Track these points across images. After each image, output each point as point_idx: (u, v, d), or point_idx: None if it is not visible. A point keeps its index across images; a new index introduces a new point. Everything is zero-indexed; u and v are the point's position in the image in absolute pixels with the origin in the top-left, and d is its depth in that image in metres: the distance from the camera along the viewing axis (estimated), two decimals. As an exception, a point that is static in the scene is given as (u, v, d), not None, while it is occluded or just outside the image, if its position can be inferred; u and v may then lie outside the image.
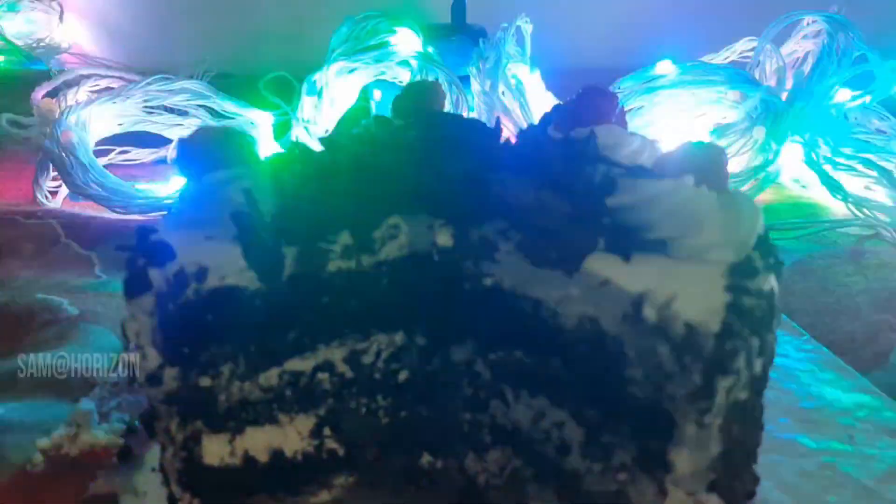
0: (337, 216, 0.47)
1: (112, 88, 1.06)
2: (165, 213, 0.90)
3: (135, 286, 0.42)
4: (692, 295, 0.35)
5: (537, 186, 0.45)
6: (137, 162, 1.15)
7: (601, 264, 0.39)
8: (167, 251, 0.43)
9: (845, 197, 0.89)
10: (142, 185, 0.99)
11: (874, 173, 0.90)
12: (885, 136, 1.01)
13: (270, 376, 0.47)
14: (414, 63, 1.10)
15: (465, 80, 1.12)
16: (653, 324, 0.35)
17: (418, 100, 0.60)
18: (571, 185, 0.44)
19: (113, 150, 1.12)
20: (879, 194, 0.89)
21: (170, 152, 1.17)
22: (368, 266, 0.47)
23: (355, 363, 0.49)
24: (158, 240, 0.44)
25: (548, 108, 1.14)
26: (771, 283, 0.39)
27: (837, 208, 0.92)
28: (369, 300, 0.48)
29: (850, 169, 0.92)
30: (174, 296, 0.42)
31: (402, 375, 0.50)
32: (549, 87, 1.16)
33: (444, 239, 0.46)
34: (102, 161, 1.02)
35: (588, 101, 0.55)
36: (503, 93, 1.11)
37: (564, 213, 0.43)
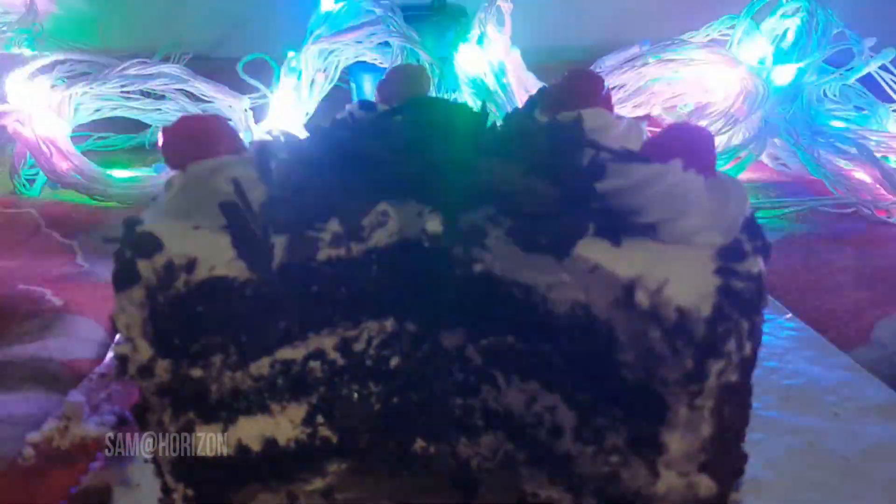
0: (325, 204, 0.46)
1: (88, 74, 1.03)
2: (149, 201, 0.89)
3: (124, 278, 0.42)
4: (683, 279, 0.36)
5: (526, 171, 0.45)
6: (115, 148, 1.14)
7: (591, 249, 0.39)
8: (155, 242, 0.43)
9: (825, 175, 0.90)
10: (121, 173, 0.98)
11: (853, 150, 0.91)
12: (864, 113, 1.02)
13: (262, 366, 0.47)
14: (394, 44, 1.09)
15: (446, 60, 1.11)
16: (645, 309, 0.35)
17: (403, 84, 0.60)
18: (560, 169, 0.44)
19: (90, 135, 1.10)
20: (858, 171, 0.90)
21: (149, 137, 1.16)
22: (358, 253, 0.47)
23: (346, 350, 0.49)
24: (145, 231, 0.43)
25: (529, 88, 1.14)
26: (759, 265, 0.39)
27: (817, 186, 0.93)
28: (359, 288, 0.48)
29: (830, 146, 0.93)
30: (164, 287, 0.42)
31: (394, 362, 0.50)
32: (528, 66, 1.16)
33: (433, 225, 0.46)
34: (80, 147, 1.00)
35: (574, 85, 0.55)
36: (485, 74, 1.10)
37: (554, 198, 0.43)
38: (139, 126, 1.15)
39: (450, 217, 0.46)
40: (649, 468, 0.38)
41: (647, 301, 0.35)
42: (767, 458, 0.48)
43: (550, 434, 0.43)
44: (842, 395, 0.55)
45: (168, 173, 0.80)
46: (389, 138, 0.50)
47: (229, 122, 0.51)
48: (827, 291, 0.69)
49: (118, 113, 1.07)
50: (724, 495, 0.40)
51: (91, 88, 1.00)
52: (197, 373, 0.45)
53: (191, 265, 0.43)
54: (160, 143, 0.49)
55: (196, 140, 0.48)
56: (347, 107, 0.60)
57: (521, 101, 1.10)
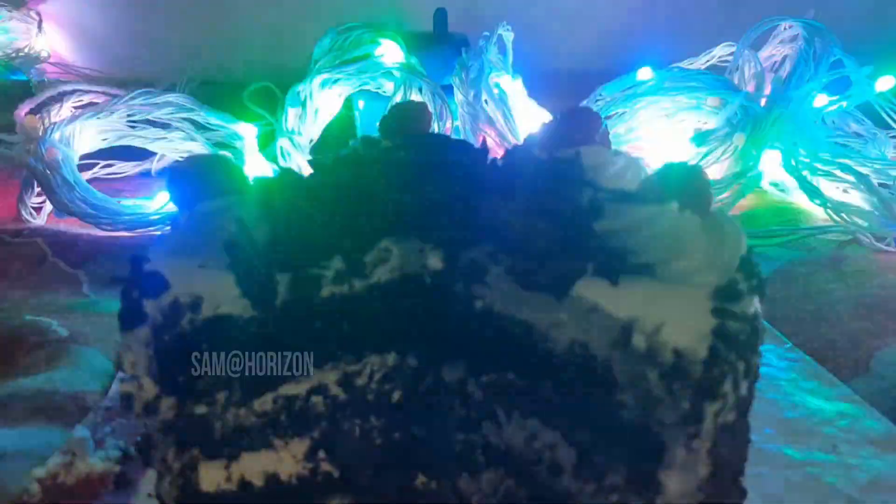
0: (328, 242, 0.47)
1: (95, 103, 1.05)
2: (155, 233, 0.90)
3: (130, 318, 0.42)
4: (679, 321, 0.36)
5: (525, 210, 0.46)
6: (121, 175, 1.15)
7: (590, 289, 0.40)
8: (161, 282, 0.43)
9: (824, 202, 0.91)
10: (127, 201, 0.99)
11: (852, 178, 0.91)
12: (862, 139, 1.03)
13: (265, 402, 0.47)
14: (397, 74, 1.10)
15: (448, 89, 1.12)
16: (642, 351, 0.36)
17: (405, 121, 0.61)
18: (559, 208, 0.45)
19: (97, 164, 1.11)
20: (857, 199, 0.90)
21: (154, 165, 1.17)
22: (360, 290, 0.48)
23: (348, 385, 0.49)
24: (152, 270, 0.44)
25: (531, 116, 1.16)
26: (755, 305, 0.40)
27: (816, 213, 0.94)
28: (361, 323, 0.48)
29: (829, 174, 0.94)
30: (169, 326, 0.43)
31: (395, 396, 0.50)
32: (530, 92, 1.17)
33: (434, 262, 0.47)
34: (86, 175, 1.02)
35: (572, 122, 0.56)
36: (486, 102, 1.12)
37: (553, 238, 0.44)
38: (145, 154, 1.16)
39: (451, 254, 0.46)
40: (648, 507, 0.39)
41: (644, 343, 0.36)
42: (767, 493, 0.48)
43: (551, 471, 0.43)
44: (841, 427, 0.55)
45: (173, 214, 0.81)
46: (390, 175, 0.51)
47: (234, 161, 0.52)
48: (826, 321, 0.69)
49: (124, 142, 1.09)
50: (723, 534, 0.40)
51: (98, 119, 1.02)
52: (201, 410, 0.45)
53: (196, 304, 0.43)
54: (167, 182, 0.50)
55: (202, 180, 0.49)
56: (352, 143, 0.61)
57: (522, 128, 1.11)
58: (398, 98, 1.10)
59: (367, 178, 0.51)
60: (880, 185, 0.90)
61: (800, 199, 0.97)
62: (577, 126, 0.55)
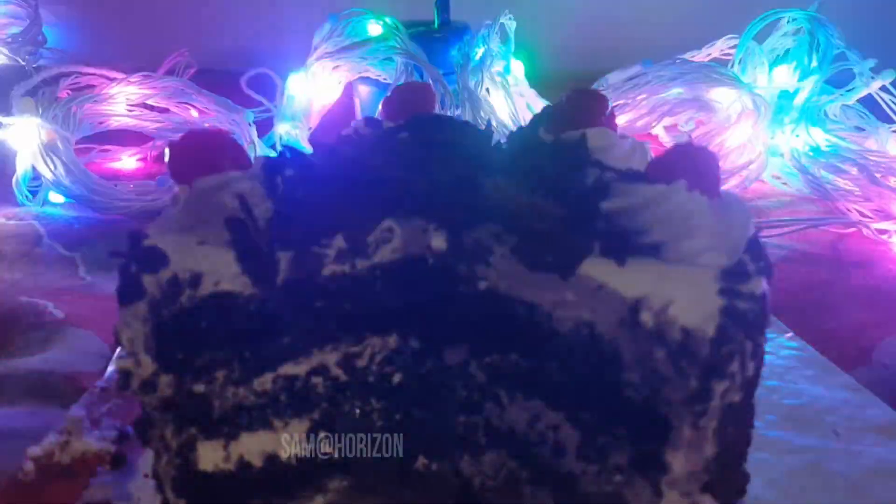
0: (331, 220, 0.47)
1: (93, 86, 1.04)
2: (153, 214, 0.89)
3: (128, 293, 0.42)
4: (688, 300, 0.36)
5: (531, 190, 0.46)
6: (119, 161, 1.14)
7: (597, 269, 0.39)
8: (160, 257, 0.43)
9: (825, 194, 0.91)
10: (125, 185, 0.98)
11: (854, 170, 0.91)
12: (863, 133, 1.03)
13: (265, 381, 0.47)
14: (398, 60, 1.09)
15: (450, 77, 1.12)
16: (650, 329, 0.35)
17: (408, 102, 0.60)
18: (564, 188, 0.45)
19: (93, 148, 1.10)
20: (858, 191, 0.90)
21: (152, 151, 1.16)
22: (362, 270, 0.47)
23: (349, 367, 0.49)
24: (151, 245, 0.43)
25: (533, 105, 1.15)
26: (762, 286, 0.39)
27: (818, 205, 0.94)
28: (363, 303, 0.48)
29: (831, 166, 0.93)
30: (168, 302, 0.42)
31: (396, 378, 0.50)
32: (531, 82, 1.17)
33: (438, 242, 0.46)
34: (83, 160, 1.01)
35: (578, 103, 0.55)
36: (488, 91, 1.11)
37: (559, 217, 0.43)
38: (143, 139, 1.15)
39: (455, 234, 0.46)
40: (653, 488, 0.38)
41: (651, 321, 0.35)
42: (769, 478, 0.48)
43: (554, 452, 0.43)
44: (843, 414, 0.55)
45: (173, 187, 0.80)
46: (395, 155, 0.51)
47: (235, 138, 0.51)
48: (828, 311, 0.69)
49: (122, 126, 1.08)
50: (728, 516, 0.40)
51: (95, 102, 1.01)
52: (200, 388, 0.45)
53: (195, 280, 0.43)
54: (166, 157, 0.49)
55: (202, 155, 0.48)
56: (353, 123, 0.60)
57: (523, 117, 1.11)
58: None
59: (370, 156, 0.50)
60: (881, 177, 0.89)
61: (801, 191, 0.97)
62: (583, 108, 0.54)
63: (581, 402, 0.41)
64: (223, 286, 0.43)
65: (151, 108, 1.09)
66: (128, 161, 1.15)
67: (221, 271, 0.43)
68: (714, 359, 0.35)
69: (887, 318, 0.67)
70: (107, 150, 1.13)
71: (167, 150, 0.49)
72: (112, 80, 1.04)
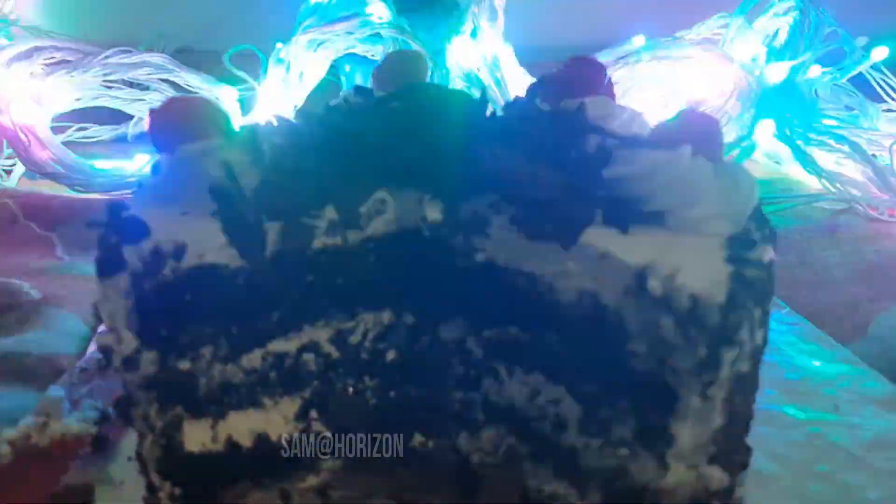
0: (321, 190, 0.45)
1: (68, 61, 1.00)
2: (132, 190, 0.86)
3: (108, 265, 0.40)
4: (696, 267, 0.35)
5: (529, 158, 0.44)
6: (97, 139, 1.11)
7: (599, 237, 0.38)
8: (141, 227, 0.41)
9: (818, 172, 0.90)
10: (102, 163, 0.95)
11: (846, 148, 0.91)
12: (853, 112, 1.02)
13: (253, 358, 0.45)
14: (386, 36, 1.07)
15: (439, 54, 1.10)
16: (658, 296, 0.34)
17: (400, 70, 0.58)
18: (565, 155, 0.43)
19: (70, 126, 1.07)
20: (851, 169, 0.90)
21: (131, 128, 1.13)
22: (355, 242, 0.45)
23: (341, 343, 0.47)
24: (131, 216, 0.41)
25: (522, 83, 1.13)
26: (770, 253, 0.38)
27: (811, 183, 0.93)
28: (356, 278, 0.46)
29: (823, 144, 0.93)
30: (150, 275, 0.40)
31: (390, 355, 0.48)
32: (521, 62, 1.15)
33: (433, 214, 0.45)
34: (60, 138, 0.98)
35: (576, 72, 0.54)
36: (478, 69, 1.09)
37: (559, 185, 0.42)
38: (121, 117, 1.12)
39: (450, 205, 0.44)
40: (658, 461, 0.37)
41: (660, 288, 0.34)
42: (771, 451, 0.48)
43: (555, 427, 0.42)
44: (842, 387, 0.55)
45: (154, 159, 0.77)
46: (387, 123, 0.49)
47: (218, 105, 0.49)
48: (823, 287, 0.69)
49: (100, 103, 1.05)
50: (733, 489, 0.39)
51: (72, 77, 0.97)
52: (185, 365, 0.43)
53: (179, 252, 0.41)
54: (147, 124, 0.47)
55: (185, 121, 0.46)
56: (342, 93, 0.58)
57: (513, 95, 1.09)
58: (386, 62, 1.06)
59: (361, 125, 0.49)
60: (872, 155, 0.89)
61: (793, 169, 0.96)
62: (581, 77, 0.53)
63: (583, 374, 0.40)
64: (208, 258, 0.41)
65: (131, 84, 1.06)
66: (104, 137, 1.13)
67: (206, 243, 0.41)
68: (723, 326, 0.34)
69: (882, 292, 0.67)
70: (84, 128, 1.10)
71: (148, 117, 0.47)
72: (89, 55, 1.01)
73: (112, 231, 0.41)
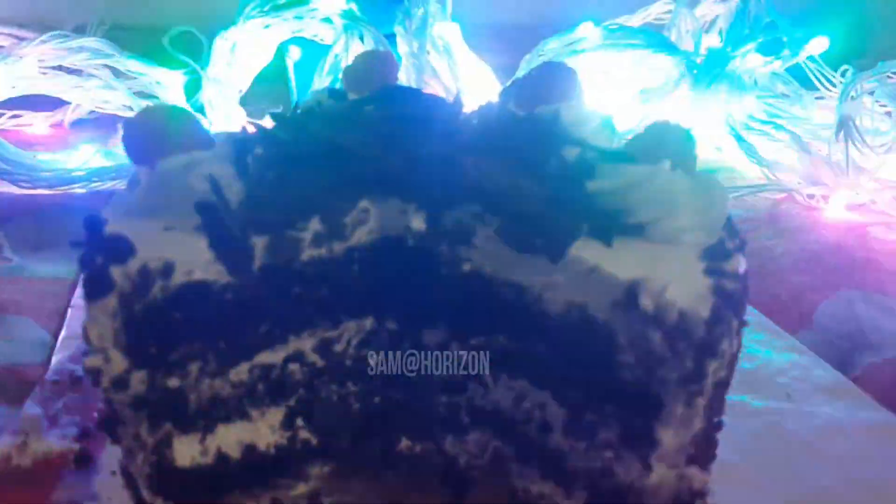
0: (306, 202, 0.45)
1: (2, 47, 0.95)
2: (77, 190, 0.82)
3: (95, 287, 0.39)
4: (680, 281, 0.36)
5: (511, 168, 0.45)
6: (31, 127, 1.06)
7: (587, 250, 0.39)
8: (125, 245, 0.40)
9: (760, 161, 0.95)
10: (45, 155, 0.91)
11: (786, 137, 0.95)
12: (788, 98, 1.07)
13: (241, 371, 0.45)
14: (337, 21, 1.05)
15: (390, 38, 1.08)
16: (650, 312, 0.36)
17: (370, 72, 0.58)
18: (547, 167, 0.44)
19: (3, 114, 1.01)
20: (789, 158, 0.94)
21: (68, 116, 1.08)
22: (339, 252, 0.45)
23: (326, 351, 0.48)
24: (115, 233, 0.40)
25: (472, 69, 1.12)
26: (743, 263, 0.40)
27: (750, 172, 0.98)
28: (340, 287, 0.47)
29: (763, 133, 0.97)
30: (139, 295, 0.39)
31: (373, 361, 0.49)
32: (469, 45, 1.15)
33: (417, 223, 0.45)
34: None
35: (548, 78, 0.55)
36: (429, 53, 1.09)
37: (542, 198, 0.43)
38: (55, 103, 1.07)
39: (434, 215, 0.45)
40: (642, 462, 0.39)
41: (651, 304, 0.36)
42: (733, 441, 0.50)
43: (540, 430, 0.44)
44: (793, 376, 0.58)
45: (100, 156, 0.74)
46: (365, 131, 0.49)
47: (192, 114, 0.48)
48: (769, 276, 0.73)
49: (36, 90, 0.99)
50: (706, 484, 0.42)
51: (5, 64, 0.92)
52: (174, 382, 0.42)
53: (167, 270, 0.40)
54: (120, 136, 0.45)
55: (163, 133, 0.45)
56: (315, 95, 0.58)
57: (465, 81, 1.09)
58: (339, 47, 1.05)
59: (339, 133, 0.48)
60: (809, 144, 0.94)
61: (733, 158, 1.00)
62: (554, 82, 0.54)
63: (569, 381, 0.42)
64: (196, 275, 0.41)
65: (69, 70, 1.01)
66: (40, 127, 1.07)
67: (194, 259, 0.41)
68: (708, 339, 0.36)
69: (824, 282, 0.72)
70: (18, 115, 1.04)
71: (121, 128, 0.46)
72: (23, 40, 0.95)
73: (95, 250, 0.40)
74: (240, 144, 0.45)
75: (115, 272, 0.39)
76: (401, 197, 0.45)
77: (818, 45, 1.00)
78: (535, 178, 0.44)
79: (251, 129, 0.48)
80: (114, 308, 0.39)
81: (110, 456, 0.46)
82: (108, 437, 0.43)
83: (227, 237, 0.42)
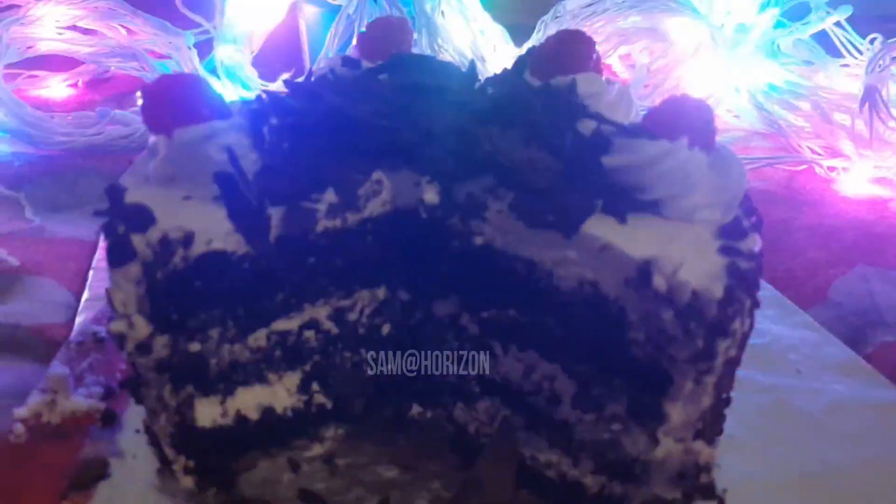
0: (321, 174, 0.45)
1: (17, 7, 0.94)
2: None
3: (119, 254, 0.40)
4: (695, 262, 0.37)
5: (526, 142, 0.45)
6: (48, 88, 1.06)
7: (600, 228, 0.40)
8: (146, 215, 0.41)
9: (779, 129, 0.93)
10: (63, 117, 0.91)
11: (807, 106, 0.93)
12: (813, 66, 1.05)
13: (259, 337, 0.46)
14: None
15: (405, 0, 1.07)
16: (663, 291, 0.36)
17: (385, 39, 0.57)
18: (562, 141, 0.44)
19: (19, 74, 1.02)
20: (810, 127, 0.93)
21: (83, 77, 1.08)
22: (353, 224, 0.46)
23: (340, 320, 0.49)
24: (136, 203, 0.41)
25: (486, 31, 1.10)
26: (758, 242, 0.40)
27: (770, 142, 0.96)
28: (354, 257, 0.47)
29: (784, 102, 0.95)
30: (161, 263, 0.40)
31: (385, 329, 0.50)
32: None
33: (430, 196, 0.45)
34: (9, 87, 0.93)
35: (565, 47, 0.54)
36: (443, 14, 1.07)
37: (557, 172, 0.43)
38: (72, 63, 1.07)
39: (447, 188, 0.45)
40: (650, 436, 0.40)
41: (664, 284, 0.36)
42: (740, 416, 0.50)
43: (549, 401, 0.44)
44: (804, 353, 0.58)
45: (113, 118, 0.75)
46: (379, 102, 0.49)
47: (208, 83, 0.48)
48: (784, 251, 0.72)
49: (52, 49, 0.99)
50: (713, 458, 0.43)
51: (22, 25, 0.92)
52: (195, 347, 0.44)
53: (188, 239, 0.41)
54: (139, 104, 0.46)
55: (179, 102, 0.45)
56: (328, 62, 0.57)
57: (481, 45, 1.08)
58: (352, 7, 1.03)
59: (353, 103, 0.48)
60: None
61: (755, 126, 0.99)
62: (570, 51, 0.53)
63: (579, 355, 0.42)
64: (216, 245, 0.42)
65: (82, 30, 1.01)
66: (57, 88, 1.08)
67: (213, 229, 0.42)
68: (720, 319, 0.36)
69: (840, 257, 0.71)
70: (34, 76, 1.05)
71: (139, 96, 0.46)
72: (38, 0, 0.95)
73: (117, 218, 0.41)
74: (256, 115, 0.45)
75: (137, 240, 0.40)
76: (414, 169, 0.46)
77: (843, 12, 0.98)
78: (550, 151, 0.44)
79: (264, 97, 0.48)
80: (137, 275, 0.40)
81: (134, 415, 0.48)
82: (133, 398, 0.44)
83: (245, 207, 0.42)
